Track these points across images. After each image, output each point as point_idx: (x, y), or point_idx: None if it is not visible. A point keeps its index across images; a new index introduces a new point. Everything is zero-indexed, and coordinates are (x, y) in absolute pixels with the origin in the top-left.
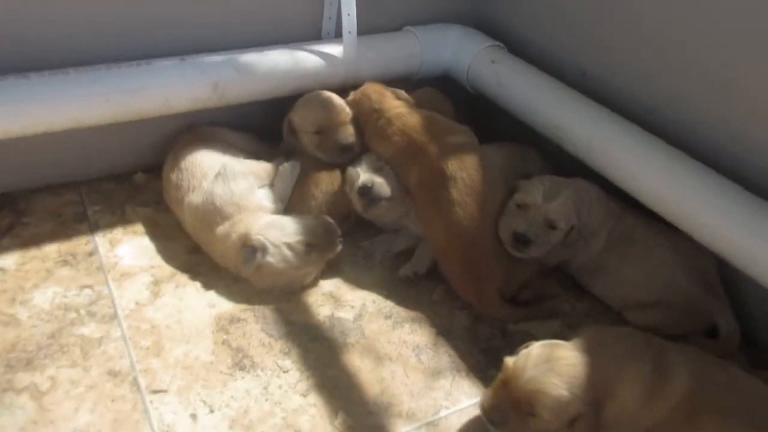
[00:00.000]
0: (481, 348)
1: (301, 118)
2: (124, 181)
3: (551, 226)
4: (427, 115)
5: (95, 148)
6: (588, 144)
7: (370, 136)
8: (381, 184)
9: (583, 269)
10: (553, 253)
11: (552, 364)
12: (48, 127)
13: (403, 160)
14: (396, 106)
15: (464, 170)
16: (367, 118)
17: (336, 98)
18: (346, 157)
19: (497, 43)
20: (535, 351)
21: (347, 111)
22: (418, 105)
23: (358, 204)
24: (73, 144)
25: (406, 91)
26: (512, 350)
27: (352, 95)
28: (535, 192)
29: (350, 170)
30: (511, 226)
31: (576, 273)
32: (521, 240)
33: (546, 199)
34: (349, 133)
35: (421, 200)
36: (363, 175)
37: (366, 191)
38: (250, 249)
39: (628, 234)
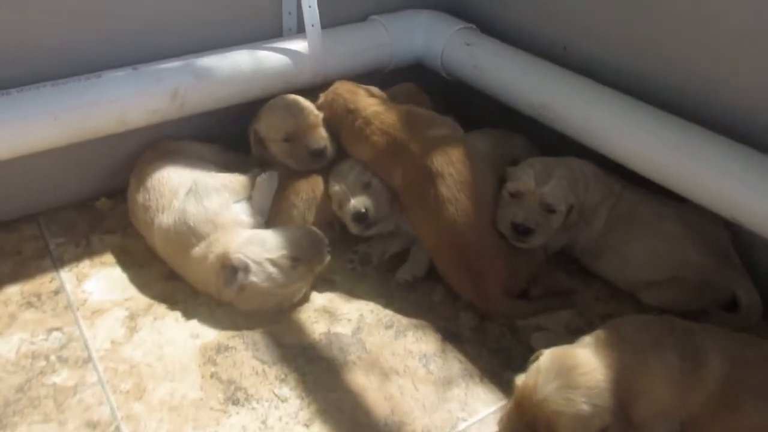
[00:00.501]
0: (491, 349)
1: (267, 125)
2: (86, 209)
3: (549, 210)
4: (405, 110)
5: (51, 175)
6: (580, 121)
7: (346, 138)
8: (375, 207)
9: (586, 251)
10: (554, 237)
11: (566, 377)
12: None
13: (385, 160)
14: (371, 104)
15: (451, 165)
16: (341, 120)
17: (302, 101)
18: (319, 163)
19: (469, 24)
20: (544, 364)
21: (316, 113)
22: (394, 101)
23: (352, 228)
24: (26, 173)
25: (380, 87)
26: (524, 347)
27: (322, 97)
28: (526, 177)
29: (335, 188)
30: (509, 217)
31: (580, 256)
32: (521, 230)
33: (539, 183)
34: (320, 137)
35: (408, 201)
36: (354, 199)
37: (361, 218)
38: (231, 269)
39: (630, 211)
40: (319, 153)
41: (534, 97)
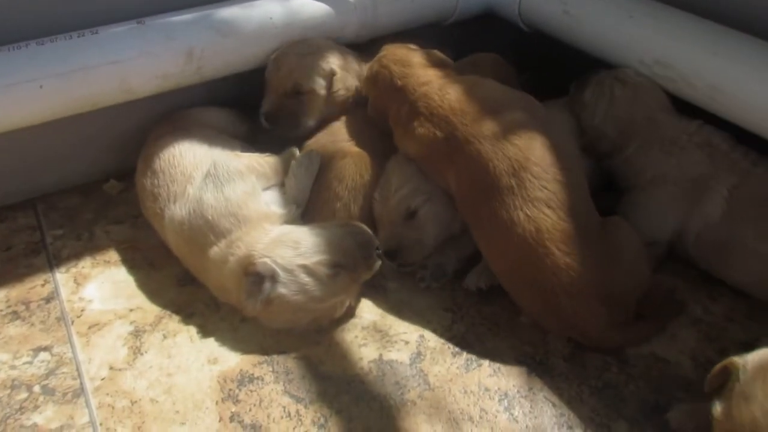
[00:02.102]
0: (593, 387)
1: None
2: (92, 194)
3: None
4: (465, 88)
5: (51, 153)
6: (710, 80)
7: (393, 128)
8: (413, 246)
9: (704, 244)
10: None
11: None
12: None
13: (436, 161)
14: (425, 81)
15: (524, 171)
16: (388, 102)
17: (310, 52)
18: (273, 128)
19: None
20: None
21: (291, 75)
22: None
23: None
24: (21, 150)
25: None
26: (636, 385)
27: (367, 70)
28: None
29: (376, 202)
30: None
31: (695, 254)
32: None
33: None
34: (270, 101)
35: (467, 216)
36: (385, 231)
37: (391, 256)
38: (254, 278)
39: (763, 193)
40: (265, 117)
41: (646, 50)
